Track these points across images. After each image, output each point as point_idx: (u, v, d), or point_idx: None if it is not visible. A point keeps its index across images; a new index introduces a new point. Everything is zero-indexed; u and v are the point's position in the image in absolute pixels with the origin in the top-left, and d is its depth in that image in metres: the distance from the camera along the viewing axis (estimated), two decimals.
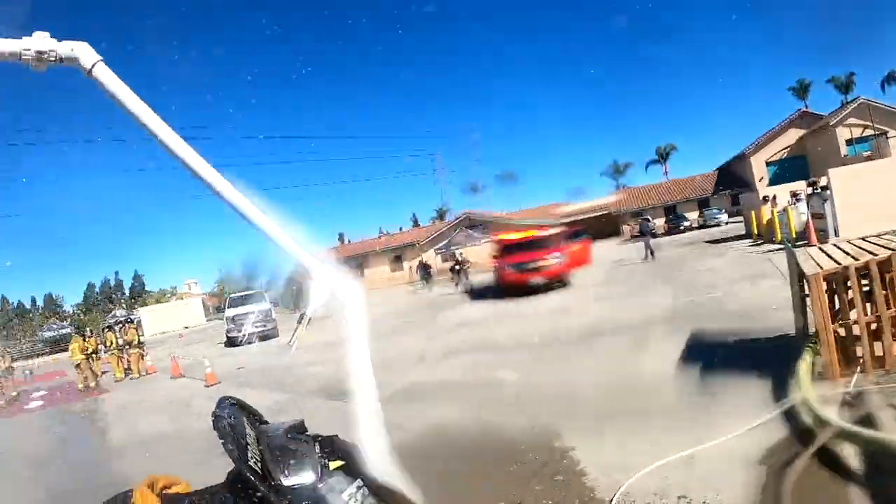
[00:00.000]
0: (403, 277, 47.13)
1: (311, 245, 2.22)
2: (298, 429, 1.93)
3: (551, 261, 19.78)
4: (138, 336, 21.67)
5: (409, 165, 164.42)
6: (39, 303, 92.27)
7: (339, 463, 1.75)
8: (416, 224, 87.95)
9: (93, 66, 2.21)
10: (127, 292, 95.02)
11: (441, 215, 78.58)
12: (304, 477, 1.65)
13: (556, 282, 19.76)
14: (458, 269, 30.23)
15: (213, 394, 13.37)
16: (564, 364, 9.37)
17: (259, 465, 1.64)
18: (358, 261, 53.30)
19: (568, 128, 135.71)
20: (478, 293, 20.56)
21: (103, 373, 20.72)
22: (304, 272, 2.13)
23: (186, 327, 51.63)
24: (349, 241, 74.99)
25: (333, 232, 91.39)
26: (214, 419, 1.68)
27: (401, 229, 73.26)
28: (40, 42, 2.16)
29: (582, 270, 22.62)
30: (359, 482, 1.70)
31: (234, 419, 1.73)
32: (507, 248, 22.21)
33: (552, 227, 32.23)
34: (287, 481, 1.62)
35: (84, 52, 2.22)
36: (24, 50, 2.13)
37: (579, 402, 7.06)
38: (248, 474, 1.55)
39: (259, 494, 1.56)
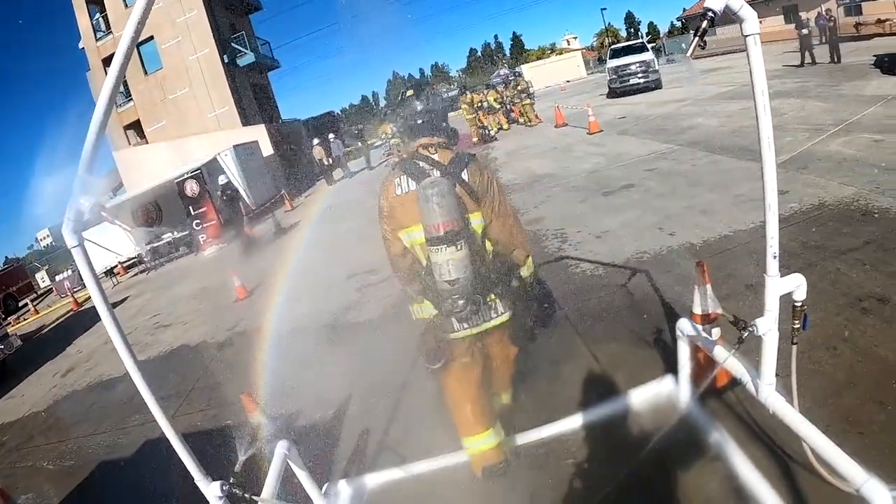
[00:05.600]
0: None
1: None
2: None
3: None
4: (528, 86, 22.99)
5: None
6: (428, 73, 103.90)
7: None
8: None
9: None
10: (508, 53, 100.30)
11: None
12: None
13: None
14: (806, 32, 22.36)
15: (595, 141, 14.31)
16: None
17: None
18: None
19: None
20: (888, 65, 16.54)
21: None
22: None
23: (568, 81, 52.85)
24: None
25: None
26: None
27: None
28: None
29: None
30: None
31: None
32: None
33: None
34: None
35: None
36: None
37: None
38: None
39: None
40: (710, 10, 2.03)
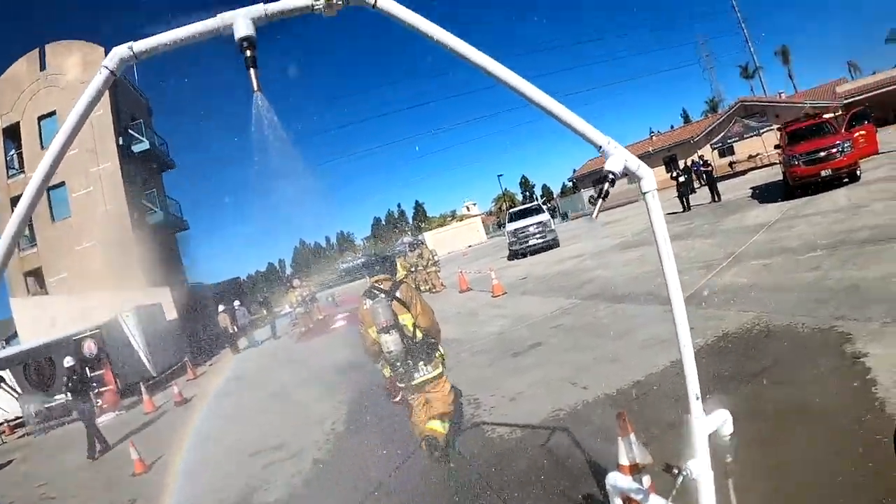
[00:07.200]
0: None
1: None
2: None
3: (841, 149, 16.60)
4: (433, 255, 23.47)
5: (672, 59, 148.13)
6: (334, 241, 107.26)
7: None
8: (686, 120, 79.62)
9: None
10: (410, 221, 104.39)
11: (713, 107, 71.21)
12: None
13: (845, 175, 16.60)
14: (683, 179, 24.77)
15: (499, 303, 14.49)
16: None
17: None
18: None
19: None
20: (764, 195, 18.58)
21: None
22: (595, 147, 2.21)
23: (470, 246, 54.86)
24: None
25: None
26: None
27: (672, 127, 68.27)
28: None
29: (869, 161, 19.29)
30: None
31: None
32: (792, 137, 19.19)
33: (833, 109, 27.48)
34: None
35: None
36: (315, 1, 2.36)
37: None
38: None
39: None
40: (611, 171, 2.14)
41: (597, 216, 2.29)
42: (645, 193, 2.20)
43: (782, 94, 49.06)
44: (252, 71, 2.24)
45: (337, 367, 12.09)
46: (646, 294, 9.97)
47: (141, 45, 2.18)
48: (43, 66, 31.33)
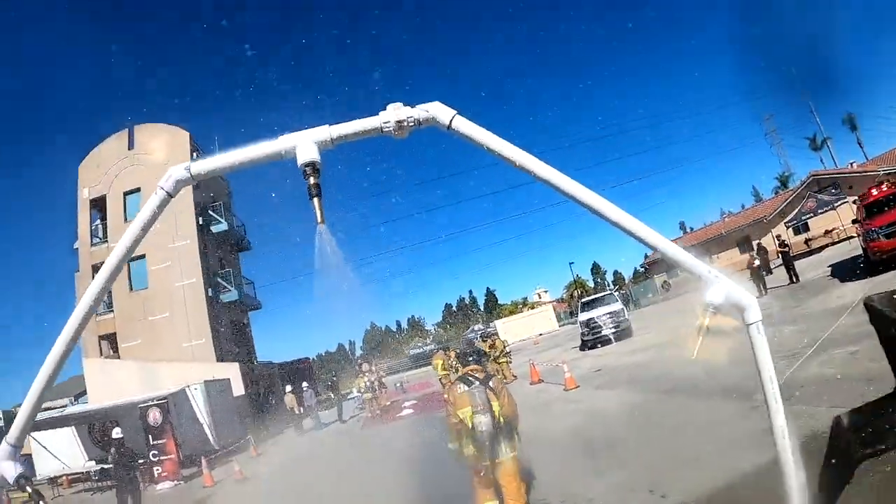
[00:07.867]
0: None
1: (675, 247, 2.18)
2: None
3: None
4: (504, 345, 23.18)
5: (739, 136, 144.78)
6: (405, 325, 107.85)
7: None
8: (758, 199, 76.63)
9: (451, 120, 2.38)
10: (482, 307, 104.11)
11: (784, 182, 69.56)
12: None
13: None
14: (759, 268, 24.56)
15: (573, 397, 14.08)
16: None
17: None
18: (703, 248, 50.54)
19: None
20: (844, 272, 17.63)
21: None
22: (696, 277, 2.11)
23: (541, 334, 54.06)
24: (691, 230, 72.43)
25: (674, 222, 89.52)
26: None
27: (743, 207, 66.62)
28: (397, 112, 2.36)
29: None
30: None
31: None
32: (869, 210, 18.25)
33: None
34: None
35: (440, 111, 2.40)
36: (384, 123, 2.34)
37: None
38: None
39: None
40: (712, 304, 2.04)
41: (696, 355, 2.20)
42: (749, 325, 2.06)
43: (854, 164, 48.10)
44: (316, 201, 2.19)
45: (406, 456, 11.79)
46: (725, 388, 9.47)
47: (198, 166, 2.17)
48: (131, 146, 33.96)
